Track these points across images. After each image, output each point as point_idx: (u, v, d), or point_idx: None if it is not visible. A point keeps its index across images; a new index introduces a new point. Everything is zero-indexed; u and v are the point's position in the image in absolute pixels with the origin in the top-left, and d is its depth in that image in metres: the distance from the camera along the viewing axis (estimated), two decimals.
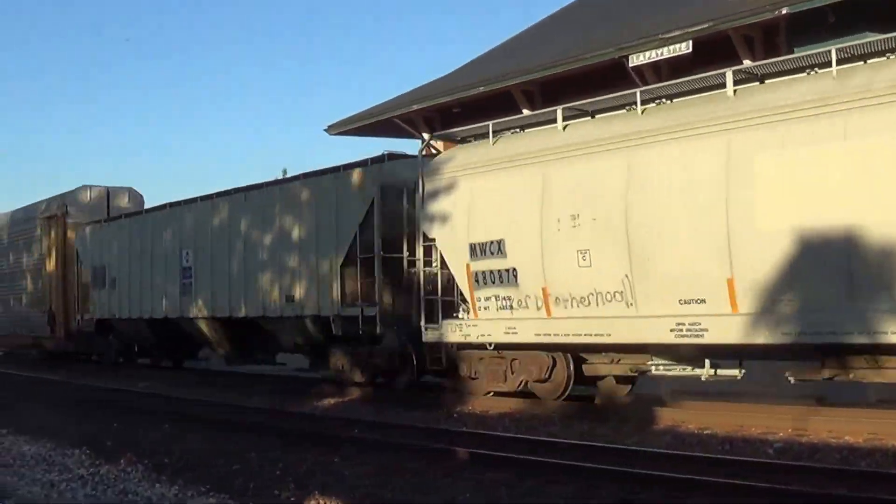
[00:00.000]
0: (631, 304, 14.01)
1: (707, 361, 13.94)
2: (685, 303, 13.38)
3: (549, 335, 15.24)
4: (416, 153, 18.89)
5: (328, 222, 19.67)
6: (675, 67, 18.76)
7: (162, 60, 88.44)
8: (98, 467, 11.87)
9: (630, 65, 19.69)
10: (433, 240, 17.09)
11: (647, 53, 19.38)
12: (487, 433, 13.63)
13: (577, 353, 15.66)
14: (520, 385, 16.21)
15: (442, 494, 9.74)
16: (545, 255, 15.03)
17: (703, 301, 13.18)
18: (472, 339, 16.38)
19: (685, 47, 18.72)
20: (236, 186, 23.47)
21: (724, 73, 13.45)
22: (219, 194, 23.81)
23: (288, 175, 23.47)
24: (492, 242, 15.84)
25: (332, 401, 18.54)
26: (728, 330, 12.99)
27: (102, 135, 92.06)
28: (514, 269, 15.53)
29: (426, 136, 27.17)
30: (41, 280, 32.17)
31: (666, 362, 14.64)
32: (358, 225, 18.85)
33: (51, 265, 31.22)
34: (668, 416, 14.15)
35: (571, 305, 14.78)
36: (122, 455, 12.26)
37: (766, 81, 13.39)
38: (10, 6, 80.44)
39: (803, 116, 12.36)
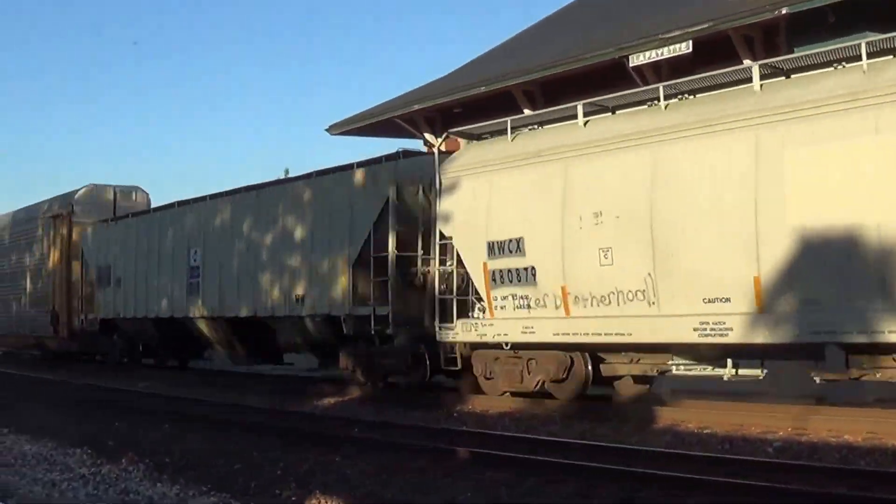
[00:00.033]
0: (653, 303, 13.86)
1: (729, 361, 13.81)
2: (709, 301, 13.23)
3: (568, 335, 15.04)
4: (427, 151, 18.75)
5: (340, 221, 19.48)
6: (675, 67, 18.76)
7: (162, 60, 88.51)
8: (99, 467, 11.89)
9: (630, 65, 19.69)
10: (449, 238, 16.93)
11: (647, 53, 19.36)
12: (488, 432, 13.64)
13: (596, 352, 15.53)
14: (536, 385, 16.02)
15: (442, 494, 9.76)
16: (565, 254, 14.88)
17: (728, 300, 13.04)
18: (489, 338, 16.20)
19: (685, 47, 18.70)
20: (245, 185, 23.37)
21: (749, 68, 13.27)
22: (227, 193, 23.70)
23: (291, 175, 23.37)
24: (510, 241, 15.68)
25: (333, 400, 18.55)
26: (754, 329, 12.84)
27: (103, 135, 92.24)
28: (533, 268, 15.39)
29: (428, 136, 27.22)
30: (41, 280, 32.03)
31: (687, 362, 14.50)
32: (372, 223, 18.66)
33: (55, 264, 31.04)
34: (669, 416, 14.13)
35: (591, 304, 14.62)
36: (123, 454, 12.30)
37: (793, 76, 13.22)
38: (10, 6, 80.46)
39: (834, 111, 12.25)
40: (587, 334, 14.80)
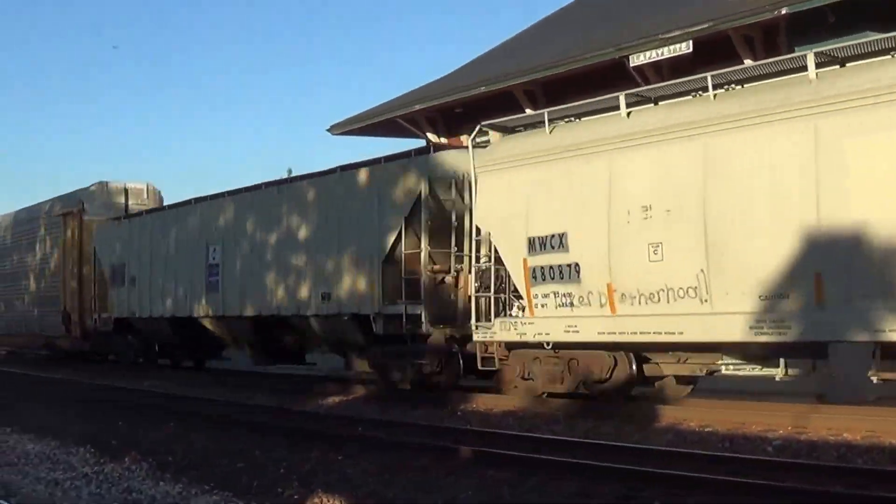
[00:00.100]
0: (706, 301, 13.34)
1: (782, 360, 13.32)
2: (766, 298, 12.73)
3: (615, 334, 14.48)
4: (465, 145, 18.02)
5: (370, 217, 18.86)
6: (675, 68, 18.82)
7: (163, 61, 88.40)
8: (102, 465, 11.93)
9: (631, 65, 19.74)
10: (486, 234, 16.47)
11: (648, 53, 19.42)
12: (491, 431, 13.64)
13: (641, 352, 15.05)
14: (578, 386, 15.55)
15: (444, 493, 9.78)
16: (612, 249, 14.34)
17: (786, 296, 12.57)
18: (529, 337, 15.64)
19: (685, 47, 18.77)
20: (267, 181, 22.85)
21: (803, 56, 12.81)
22: (248, 189, 23.10)
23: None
24: (553, 236, 15.14)
25: (337, 399, 18.50)
26: (815, 327, 12.36)
27: (103, 136, 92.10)
28: (577, 264, 14.84)
29: (430, 135, 27.29)
30: (44, 280, 31.68)
31: (737, 362, 13.99)
32: (403, 219, 18.07)
33: (66, 262, 30.46)
34: (671, 414, 14.10)
35: (639, 302, 14.08)
36: (126, 453, 12.34)
37: (848, 65, 12.77)
38: (11, 6, 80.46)
39: None
40: (635, 333, 14.25)
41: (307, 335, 21.34)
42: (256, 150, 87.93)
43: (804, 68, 12.81)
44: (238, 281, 22.57)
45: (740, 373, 13.99)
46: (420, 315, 17.67)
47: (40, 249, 32.36)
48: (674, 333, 13.78)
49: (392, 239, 18.19)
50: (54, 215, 31.45)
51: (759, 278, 12.78)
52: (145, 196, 31.02)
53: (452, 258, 17.60)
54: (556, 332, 15.24)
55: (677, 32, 18.95)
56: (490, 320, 16.23)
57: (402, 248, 18.03)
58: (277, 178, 23.76)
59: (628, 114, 14.60)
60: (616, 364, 15.04)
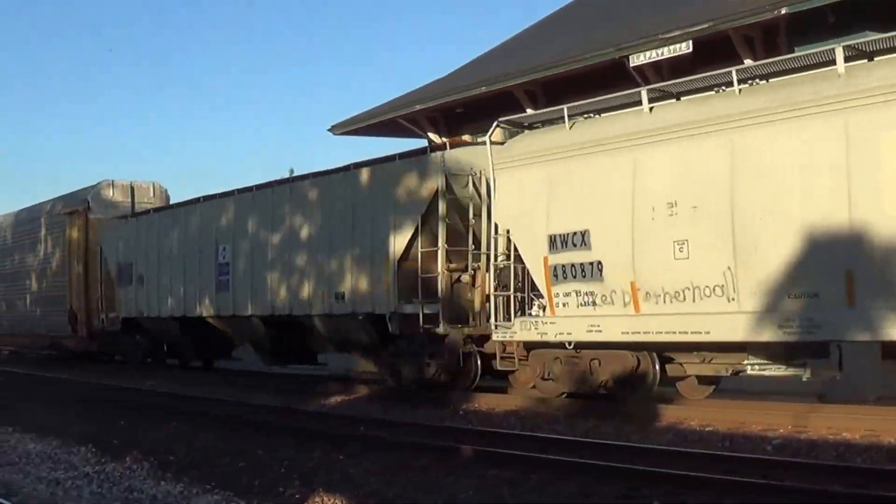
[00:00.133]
0: (733, 300, 13.03)
1: (808, 361, 12.94)
2: (795, 297, 12.47)
3: (639, 333, 14.17)
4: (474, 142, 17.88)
5: (385, 214, 18.44)
6: (675, 68, 18.85)
7: (163, 61, 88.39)
8: (104, 465, 11.96)
9: (631, 65, 19.77)
10: (506, 231, 16.14)
11: (648, 53, 19.44)
12: (493, 431, 13.64)
13: (664, 352, 14.75)
14: (600, 387, 15.25)
15: (445, 492, 9.81)
16: (636, 247, 14.06)
17: (816, 295, 12.30)
18: (550, 337, 15.31)
19: (685, 47, 18.78)
20: (279, 178, 22.58)
21: (832, 50, 12.55)
22: (259, 186, 22.71)
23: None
24: (574, 233, 14.84)
25: (340, 399, 18.46)
26: (845, 327, 12.10)
27: (103, 136, 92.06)
28: (599, 262, 14.53)
29: (432, 135, 27.32)
30: (48, 279, 31.39)
31: (763, 362, 13.63)
32: (420, 217, 17.69)
33: (72, 262, 29.97)
34: (672, 414, 14.05)
35: (664, 301, 13.79)
36: (127, 453, 12.37)
37: (876, 59, 12.50)
38: (11, 6, 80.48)
39: None
40: (660, 333, 13.94)
41: (320, 335, 20.99)
42: (257, 151, 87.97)
43: (823, 64, 12.76)
44: (249, 280, 22.22)
45: (766, 373, 13.70)
46: (437, 314, 17.37)
47: (43, 249, 32.01)
48: (700, 333, 13.50)
49: (408, 237, 17.88)
50: (60, 214, 30.99)
51: (788, 277, 12.55)
52: (152, 194, 30.55)
53: (470, 256, 17.27)
54: (578, 331, 14.96)
55: (677, 32, 18.97)
56: (509, 320, 15.95)
57: (419, 247, 17.70)
58: (278, 178, 23.47)
59: (650, 109, 14.38)
60: (639, 364, 14.77)
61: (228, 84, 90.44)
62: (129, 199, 29.91)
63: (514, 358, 16.37)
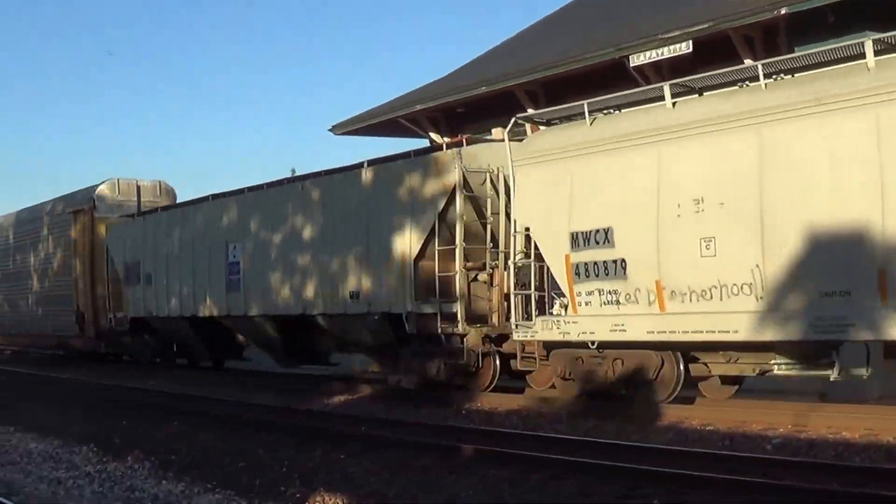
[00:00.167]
0: (761, 298, 12.77)
1: (837, 360, 12.55)
2: (826, 295, 12.17)
3: (664, 332, 13.85)
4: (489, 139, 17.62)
5: (401, 212, 18.07)
6: (675, 68, 18.86)
7: (163, 61, 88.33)
8: (105, 464, 12.01)
9: (631, 65, 19.78)
10: (526, 229, 15.79)
11: (648, 53, 19.42)
12: (494, 430, 13.66)
13: (689, 351, 14.41)
14: (622, 387, 14.99)
15: (445, 492, 9.85)
16: (661, 245, 13.78)
17: (848, 293, 12.02)
18: (572, 337, 14.99)
19: (685, 47, 18.77)
20: (290, 176, 22.19)
21: (861, 44, 12.27)
22: (270, 184, 22.38)
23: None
24: (597, 231, 14.57)
25: (343, 398, 18.44)
26: (878, 326, 11.80)
27: (103, 136, 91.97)
28: (623, 260, 14.24)
29: (433, 135, 27.34)
30: (52, 279, 31.14)
31: (790, 361, 13.33)
32: (437, 214, 17.32)
33: (77, 261, 29.59)
34: (673, 413, 14.03)
35: (690, 300, 13.47)
36: (129, 452, 12.41)
37: None
38: (10, 6, 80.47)
39: None
40: (686, 332, 13.61)
41: (333, 335, 20.68)
42: (258, 151, 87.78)
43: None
44: (260, 280, 21.83)
45: (792, 373, 13.42)
46: (455, 314, 17.07)
47: (47, 248, 31.77)
48: (727, 332, 13.20)
49: (424, 236, 17.56)
50: (65, 213, 30.67)
51: (819, 275, 12.30)
52: (158, 193, 30.13)
53: (488, 255, 16.97)
54: (601, 331, 14.66)
55: (677, 32, 18.97)
56: (529, 319, 15.65)
57: (436, 245, 17.37)
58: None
59: (673, 104, 14.15)
60: (663, 364, 14.48)
61: (228, 84, 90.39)
62: (135, 198, 29.38)
63: (534, 358, 16.14)
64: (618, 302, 14.36)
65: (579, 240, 14.83)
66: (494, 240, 16.96)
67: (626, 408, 14.51)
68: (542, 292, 15.69)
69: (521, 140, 16.59)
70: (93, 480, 11.10)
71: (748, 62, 17.32)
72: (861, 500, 8.53)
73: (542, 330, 15.42)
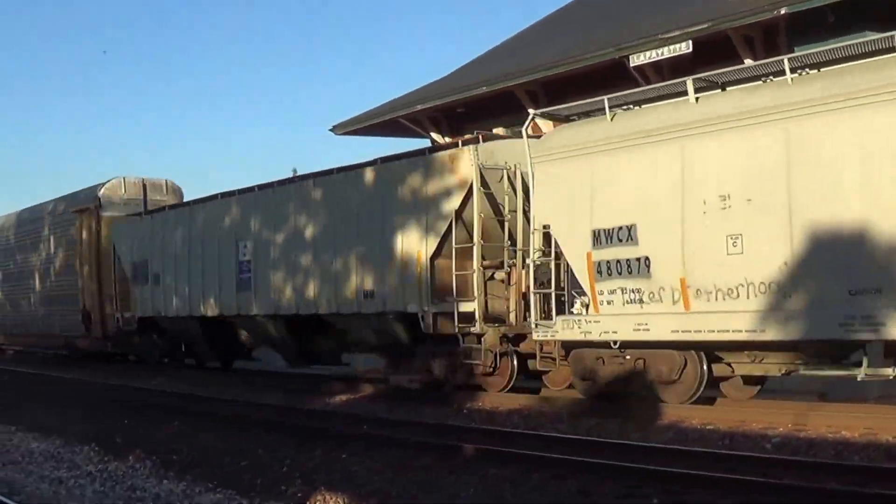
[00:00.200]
0: (790, 296, 12.54)
1: (865, 360, 12.30)
2: (856, 293, 11.96)
3: (689, 332, 13.58)
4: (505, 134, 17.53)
5: (416, 209, 17.77)
6: (675, 68, 18.90)
7: (163, 61, 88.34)
8: (106, 464, 12.02)
9: (631, 65, 19.82)
10: (546, 226, 15.55)
11: (648, 53, 19.46)
12: (496, 429, 13.66)
13: (713, 351, 14.16)
14: (643, 387, 14.64)
15: (446, 491, 9.86)
16: (686, 242, 13.57)
17: (879, 291, 11.79)
18: (594, 336, 14.73)
19: (685, 47, 18.81)
20: (301, 174, 21.85)
21: (890, 37, 12.11)
22: (280, 182, 22.07)
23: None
24: (620, 228, 14.33)
25: (345, 398, 18.40)
26: None
27: (103, 136, 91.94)
28: (647, 258, 14.02)
29: (434, 135, 27.38)
30: (59, 278, 30.84)
31: (817, 361, 13.10)
32: (454, 211, 17.03)
33: (83, 260, 29.30)
34: (674, 413, 13.97)
35: (716, 298, 13.23)
36: (130, 452, 12.43)
37: None
38: (10, 6, 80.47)
39: None
40: (711, 332, 13.33)
41: (346, 335, 20.31)
42: (258, 151, 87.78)
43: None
44: (272, 279, 21.47)
45: (819, 373, 13.23)
46: (473, 313, 16.83)
47: (53, 247, 31.43)
48: (755, 332, 12.93)
49: (441, 233, 17.27)
50: (70, 212, 30.39)
51: (849, 272, 12.12)
52: (164, 191, 29.78)
53: (506, 253, 16.69)
54: (624, 330, 14.41)
55: (677, 32, 19.01)
56: (549, 318, 15.42)
57: (453, 243, 17.07)
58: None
59: (696, 99, 13.96)
60: (686, 364, 14.20)
61: (228, 84, 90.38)
62: (141, 197, 29.14)
63: (553, 358, 15.97)
64: (641, 301, 14.14)
65: (601, 237, 14.61)
66: (512, 238, 16.73)
67: (628, 407, 14.47)
68: (561, 291, 15.46)
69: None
70: (94, 480, 11.11)
71: (748, 61, 17.36)
72: (860, 499, 8.53)
73: (563, 329, 15.18)
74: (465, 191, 16.89)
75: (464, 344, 17.18)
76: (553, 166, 15.47)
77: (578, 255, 14.94)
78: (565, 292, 15.39)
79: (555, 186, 15.38)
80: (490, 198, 16.91)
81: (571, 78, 21.47)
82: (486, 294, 16.86)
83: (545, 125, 18.71)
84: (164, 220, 26.02)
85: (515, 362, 16.82)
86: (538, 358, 16.11)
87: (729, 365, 14.40)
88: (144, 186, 29.49)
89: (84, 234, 29.24)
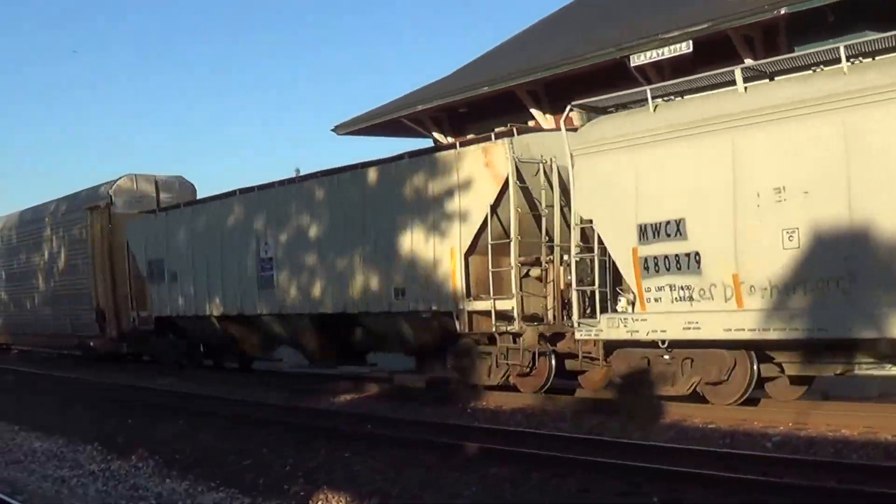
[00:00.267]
0: (850, 292, 12.02)
1: None
2: None
3: (743, 330, 13.03)
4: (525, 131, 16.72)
5: (449, 205, 17.17)
6: (675, 68, 18.93)
7: (163, 60, 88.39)
8: (109, 463, 12.07)
9: (632, 64, 19.84)
10: (588, 221, 15.01)
11: (648, 53, 19.46)
12: (498, 428, 13.66)
13: (767, 350, 13.55)
14: (691, 388, 14.04)
15: (447, 490, 9.90)
16: (738, 237, 13.02)
17: None
18: (642, 336, 14.14)
19: (685, 47, 18.81)
20: (323, 169, 21.05)
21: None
22: (304, 177, 21.47)
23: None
24: (668, 223, 13.80)
25: (349, 397, 18.36)
26: None
27: (104, 136, 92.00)
28: (697, 254, 13.46)
29: (436, 135, 27.40)
30: (68, 276, 30.38)
31: (875, 360, 12.61)
32: (489, 206, 16.45)
33: (96, 258, 28.61)
34: (676, 411, 13.91)
35: (771, 295, 12.72)
36: (133, 451, 12.47)
37: None
38: (10, 5, 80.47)
39: None
40: (766, 330, 12.77)
41: (376, 334, 19.72)
42: (258, 151, 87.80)
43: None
44: (296, 276, 20.78)
45: (877, 373, 12.79)
46: (510, 311, 16.35)
47: (64, 245, 30.86)
48: (813, 330, 12.39)
49: (475, 229, 16.71)
50: (81, 209, 29.74)
51: None
52: (177, 188, 29.29)
53: (543, 249, 16.17)
54: (673, 329, 13.80)
55: (677, 32, 19.01)
56: (592, 316, 14.88)
57: (488, 239, 16.51)
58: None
59: (745, 89, 13.42)
60: (735, 364, 13.64)
61: (229, 83, 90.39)
62: (153, 194, 28.62)
63: (594, 358, 15.43)
64: (691, 298, 13.61)
65: (648, 232, 14.05)
66: (549, 233, 16.25)
67: (629, 406, 14.37)
68: (604, 288, 14.94)
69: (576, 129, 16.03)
70: (97, 479, 11.16)
71: (748, 62, 17.37)
72: (860, 497, 8.56)
73: (608, 328, 14.60)
74: (501, 185, 16.37)
75: (500, 343, 16.73)
76: (593, 159, 14.94)
77: (624, 251, 14.42)
78: (607, 289, 14.91)
79: (597, 180, 14.85)
80: (525, 192, 16.37)
81: (573, 78, 21.49)
82: (527, 291, 16.41)
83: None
84: (180, 217, 25.35)
85: (553, 362, 16.26)
86: (580, 357, 15.63)
87: (779, 365, 13.85)
88: (156, 183, 29.02)
89: (96, 232, 28.64)
